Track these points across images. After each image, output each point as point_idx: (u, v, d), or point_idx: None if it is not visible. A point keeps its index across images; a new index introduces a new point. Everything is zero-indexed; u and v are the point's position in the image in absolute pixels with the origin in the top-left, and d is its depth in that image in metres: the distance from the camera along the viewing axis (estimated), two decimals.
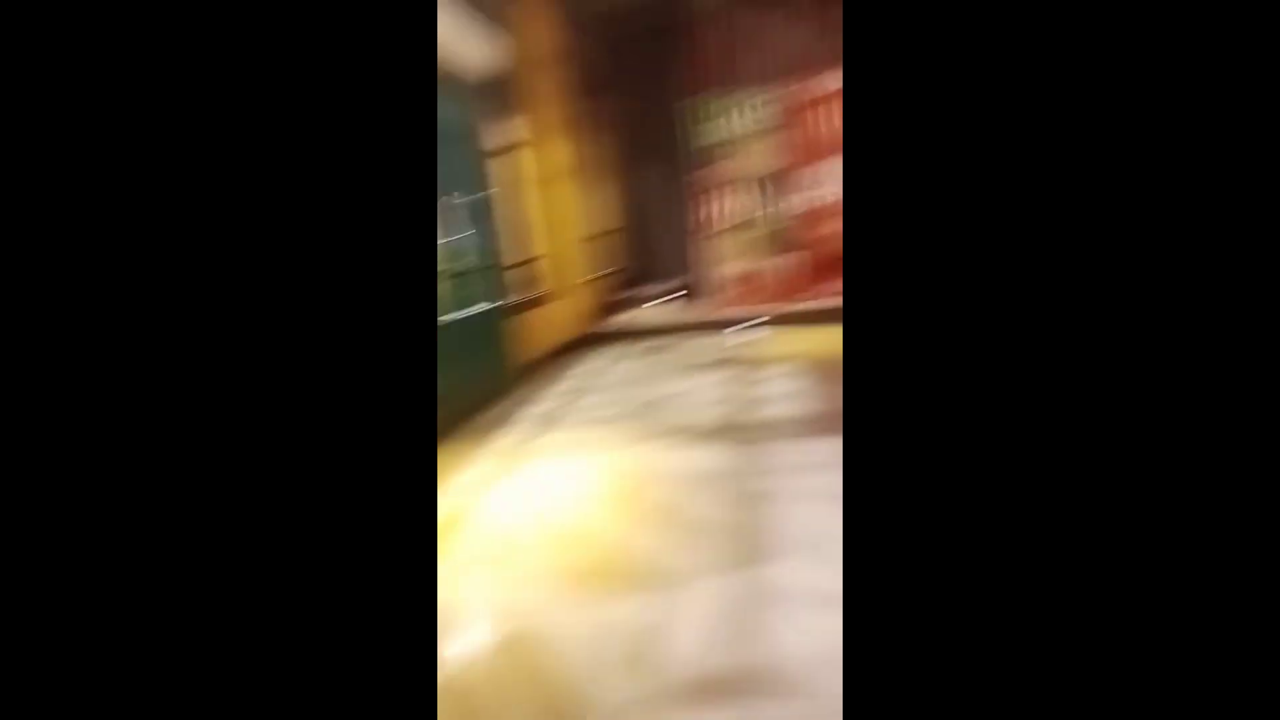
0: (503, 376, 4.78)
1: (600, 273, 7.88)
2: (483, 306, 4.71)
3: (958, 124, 0.57)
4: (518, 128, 5.60)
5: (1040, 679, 0.54)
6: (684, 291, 6.25)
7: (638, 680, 1.45)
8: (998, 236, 0.57)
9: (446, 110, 4.41)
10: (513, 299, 5.22)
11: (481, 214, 4.83)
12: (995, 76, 0.56)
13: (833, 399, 3.05)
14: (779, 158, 4.73)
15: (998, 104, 0.56)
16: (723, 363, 4.28)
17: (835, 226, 4.72)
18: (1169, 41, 0.53)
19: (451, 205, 4.42)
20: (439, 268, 4.09)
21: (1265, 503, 0.50)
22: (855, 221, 0.62)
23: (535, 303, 5.60)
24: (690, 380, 3.96)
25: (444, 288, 4.20)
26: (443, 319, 4.02)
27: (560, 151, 5.79)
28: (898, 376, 0.59)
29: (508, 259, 5.27)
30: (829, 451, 2.43)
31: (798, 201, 4.80)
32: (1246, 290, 0.51)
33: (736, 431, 2.89)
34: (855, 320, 0.61)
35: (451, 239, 4.39)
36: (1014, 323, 0.56)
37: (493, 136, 5.15)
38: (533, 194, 5.73)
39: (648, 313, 6.14)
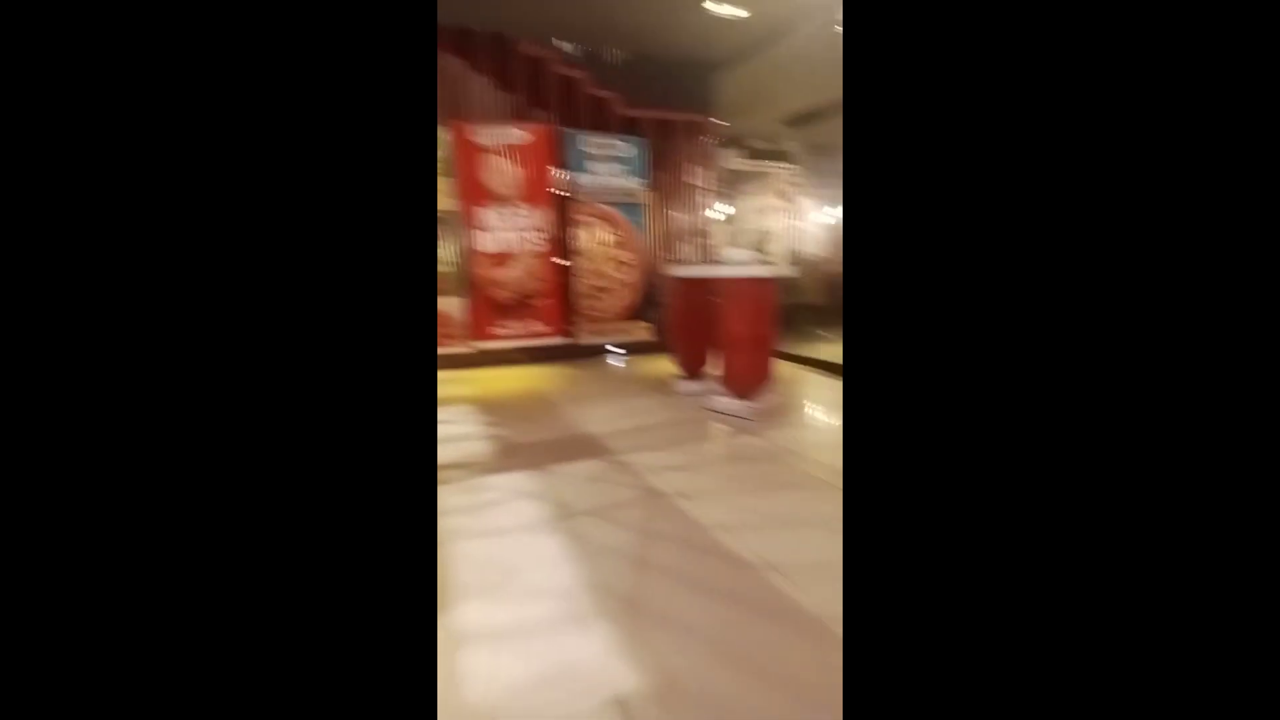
0: None
1: None
2: None
3: (956, 133, 0.54)
4: None
5: (1040, 687, 0.53)
6: None
7: None
8: (995, 241, 0.54)
9: None
10: None
11: None
12: (992, 83, 0.54)
13: (502, 440, 3.08)
14: (452, 199, 4.61)
15: (995, 109, 0.54)
16: None
17: (503, 274, 4.76)
18: (1165, 47, 0.50)
19: None
20: None
21: (1254, 499, 0.48)
22: (855, 230, 0.60)
23: None
24: None
25: None
26: None
27: None
28: (897, 385, 0.57)
29: None
30: (502, 490, 2.41)
31: (468, 244, 4.68)
32: (1237, 297, 0.48)
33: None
34: (855, 327, 0.59)
35: None
36: (1015, 329, 0.54)
37: None
38: None
39: None
